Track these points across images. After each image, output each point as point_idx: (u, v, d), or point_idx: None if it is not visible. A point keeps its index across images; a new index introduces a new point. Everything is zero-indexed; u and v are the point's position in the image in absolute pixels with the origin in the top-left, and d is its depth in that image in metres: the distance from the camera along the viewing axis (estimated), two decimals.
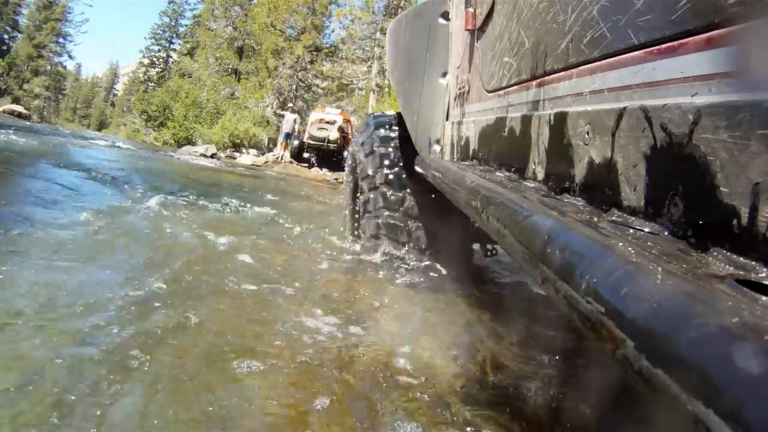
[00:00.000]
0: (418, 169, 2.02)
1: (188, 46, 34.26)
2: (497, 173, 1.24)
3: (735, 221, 0.44)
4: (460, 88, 1.83)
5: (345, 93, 21.31)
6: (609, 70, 0.69)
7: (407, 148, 2.27)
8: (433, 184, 1.69)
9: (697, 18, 0.50)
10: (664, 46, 0.56)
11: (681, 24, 0.52)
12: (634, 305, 0.38)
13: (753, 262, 0.42)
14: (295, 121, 13.81)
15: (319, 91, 22.44)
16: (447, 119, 2.07)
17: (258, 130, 19.65)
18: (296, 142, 13.34)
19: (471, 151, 1.57)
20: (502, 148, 1.24)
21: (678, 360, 0.31)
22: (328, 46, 22.53)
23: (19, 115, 24.80)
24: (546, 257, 0.57)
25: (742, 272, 0.42)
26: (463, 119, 1.75)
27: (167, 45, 41.42)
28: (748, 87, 0.43)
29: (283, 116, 14.51)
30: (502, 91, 1.26)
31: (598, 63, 0.72)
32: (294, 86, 21.88)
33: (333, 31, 23.26)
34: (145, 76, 41.07)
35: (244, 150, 17.78)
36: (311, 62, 22.04)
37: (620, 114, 0.64)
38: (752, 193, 0.42)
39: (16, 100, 36.39)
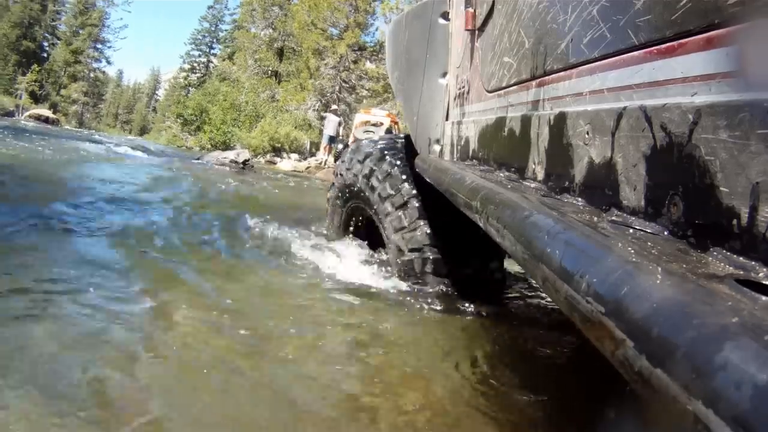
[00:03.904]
0: (417, 169, 2.02)
1: (228, 50, 34.28)
2: (497, 173, 1.24)
3: (735, 221, 0.44)
4: (460, 88, 1.83)
5: (391, 94, 19.95)
6: (609, 70, 0.69)
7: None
8: (432, 184, 1.69)
9: (697, 18, 0.50)
10: (664, 46, 0.56)
11: (681, 24, 0.52)
12: (634, 305, 0.38)
13: (753, 262, 0.42)
14: (339, 123, 13.01)
15: (364, 92, 21.21)
16: (447, 119, 2.07)
17: (299, 134, 18.86)
18: (341, 146, 12.29)
19: (471, 151, 1.57)
20: (502, 148, 1.24)
21: (678, 360, 0.31)
22: (372, 44, 21.31)
23: (46, 120, 24.30)
24: (546, 257, 0.57)
25: (742, 272, 0.42)
26: (463, 119, 1.75)
27: (207, 50, 41.88)
28: (748, 87, 0.43)
29: (325, 118, 13.60)
30: (502, 91, 1.26)
31: (598, 63, 0.72)
32: (337, 87, 20.78)
33: (377, 28, 21.87)
34: (186, 82, 41.31)
35: (284, 155, 17.08)
36: (355, 62, 20.89)
37: (620, 114, 0.64)
38: (752, 193, 0.42)
39: (53, 106, 37.11)
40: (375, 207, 2.23)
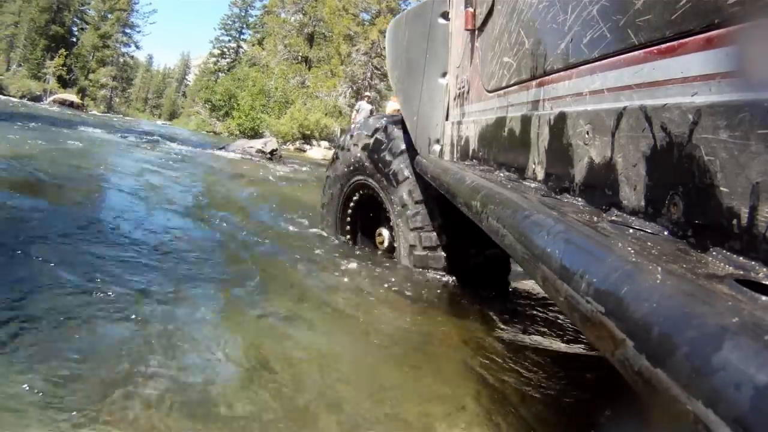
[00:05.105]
0: (417, 168, 2.02)
1: (258, 36, 34.34)
2: (497, 173, 1.24)
3: (735, 221, 0.44)
4: (459, 88, 1.83)
5: None
6: (609, 70, 0.69)
7: None
8: (432, 184, 1.69)
9: (697, 18, 0.50)
10: (664, 46, 0.56)
11: (681, 24, 0.52)
12: (634, 305, 0.38)
13: (753, 262, 0.42)
14: (371, 111, 12.79)
15: None
16: (447, 119, 2.07)
17: (329, 121, 18.58)
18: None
19: (471, 151, 1.57)
20: (502, 148, 1.24)
21: (678, 360, 0.31)
22: None
23: (71, 105, 24.59)
24: (546, 257, 0.57)
25: (742, 272, 0.42)
26: (462, 119, 1.75)
27: (237, 35, 41.85)
28: (748, 87, 0.43)
29: (357, 106, 13.10)
30: (502, 91, 1.26)
31: (598, 63, 0.72)
32: (368, 74, 20.39)
33: None
34: (216, 67, 41.28)
35: (314, 142, 16.83)
36: None
37: (620, 114, 0.64)
38: (752, 193, 0.42)
39: (82, 91, 37.86)
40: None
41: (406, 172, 2.18)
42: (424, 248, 2.09)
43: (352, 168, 2.52)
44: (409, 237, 2.14)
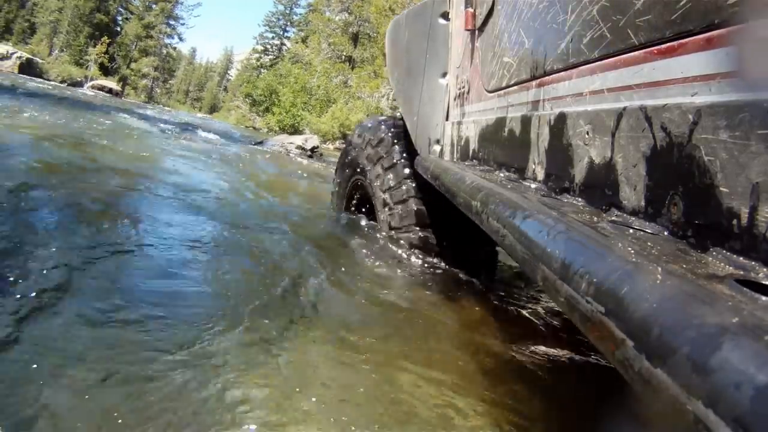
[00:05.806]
0: (417, 168, 2.02)
1: (302, 34, 34.59)
2: (497, 173, 1.24)
3: (735, 221, 0.44)
4: (460, 88, 1.83)
5: None
6: (609, 70, 0.69)
7: None
8: (432, 184, 1.69)
9: (697, 18, 0.50)
10: (664, 46, 0.56)
11: (681, 24, 0.52)
12: (634, 305, 0.38)
13: (753, 262, 0.42)
14: None
15: None
16: (447, 119, 2.07)
17: None
18: None
19: (471, 151, 1.57)
20: (502, 148, 1.24)
21: (678, 360, 0.31)
22: None
23: (109, 91, 25.19)
24: (546, 257, 0.57)
25: (742, 272, 0.42)
26: (463, 119, 1.75)
27: (281, 33, 42.13)
28: (748, 87, 0.43)
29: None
30: (502, 91, 1.26)
31: (598, 63, 0.72)
32: None
33: None
34: (258, 63, 41.41)
35: None
36: None
37: (620, 114, 0.64)
38: (752, 193, 0.42)
39: (123, 79, 38.67)
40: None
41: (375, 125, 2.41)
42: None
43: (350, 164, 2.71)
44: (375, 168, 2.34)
